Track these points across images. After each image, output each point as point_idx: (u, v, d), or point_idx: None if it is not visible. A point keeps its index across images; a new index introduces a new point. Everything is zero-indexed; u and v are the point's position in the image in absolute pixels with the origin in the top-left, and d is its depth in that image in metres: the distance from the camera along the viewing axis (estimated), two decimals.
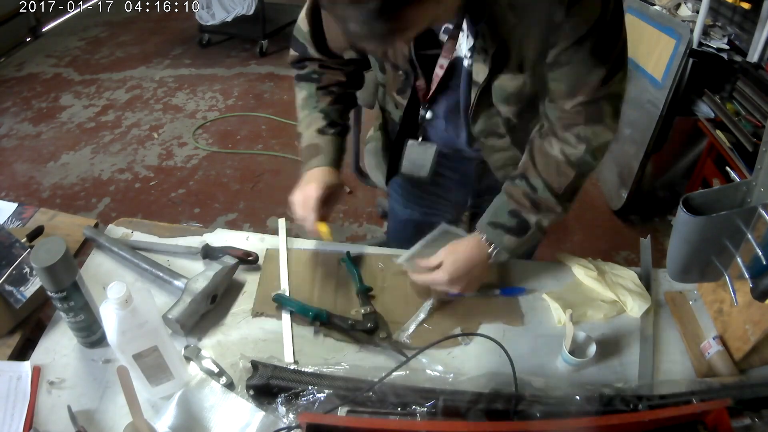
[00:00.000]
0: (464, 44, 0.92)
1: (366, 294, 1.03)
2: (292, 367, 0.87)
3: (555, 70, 0.88)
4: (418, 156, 1.12)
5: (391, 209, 1.45)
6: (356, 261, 1.10)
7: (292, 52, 1.13)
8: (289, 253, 1.11)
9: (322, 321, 0.97)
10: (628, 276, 1.09)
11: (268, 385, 0.83)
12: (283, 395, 0.82)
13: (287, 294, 1.03)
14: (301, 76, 1.13)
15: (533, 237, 1.00)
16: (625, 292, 1.04)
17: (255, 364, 0.85)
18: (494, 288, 1.07)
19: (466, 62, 0.94)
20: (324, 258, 1.11)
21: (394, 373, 0.82)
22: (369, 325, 0.96)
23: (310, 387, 0.82)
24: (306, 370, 0.86)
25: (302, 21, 1.08)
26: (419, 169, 1.16)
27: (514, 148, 1.08)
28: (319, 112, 1.08)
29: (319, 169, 1.04)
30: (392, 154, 1.17)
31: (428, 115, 1.05)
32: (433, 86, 0.99)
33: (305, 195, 1.01)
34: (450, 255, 0.99)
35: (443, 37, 0.92)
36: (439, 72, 0.96)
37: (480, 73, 0.92)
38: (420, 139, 1.10)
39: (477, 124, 1.03)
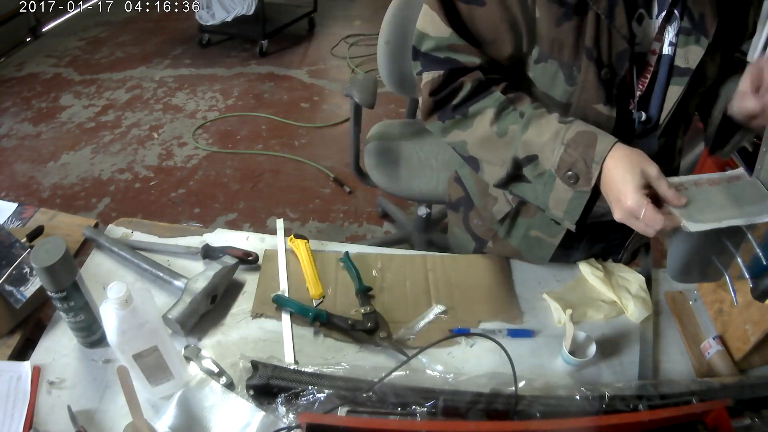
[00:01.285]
0: (670, 28, 0.81)
1: (366, 294, 1.03)
2: (292, 367, 0.87)
3: None
4: None
5: None
6: (355, 261, 1.10)
7: (434, 77, 0.82)
8: (288, 254, 1.11)
9: (322, 321, 0.97)
10: (636, 279, 1.07)
11: (268, 385, 0.83)
12: (283, 395, 0.82)
13: (287, 294, 1.03)
14: (459, 104, 0.82)
15: None
16: (628, 296, 1.04)
17: (255, 364, 0.85)
18: (502, 328, 0.99)
19: (667, 49, 0.81)
20: (323, 258, 1.11)
21: (394, 373, 0.82)
22: (369, 324, 0.96)
23: (310, 387, 0.82)
24: (306, 370, 0.86)
25: (435, 28, 0.80)
26: None
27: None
28: (534, 110, 0.79)
29: (620, 145, 0.73)
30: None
31: (642, 116, 0.84)
32: (646, 79, 0.82)
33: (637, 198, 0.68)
34: None
35: (638, 25, 0.79)
36: (651, 58, 0.81)
37: (691, 55, 0.79)
38: None
39: (667, 137, 0.88)
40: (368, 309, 0.99)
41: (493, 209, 1.03)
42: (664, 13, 0.80)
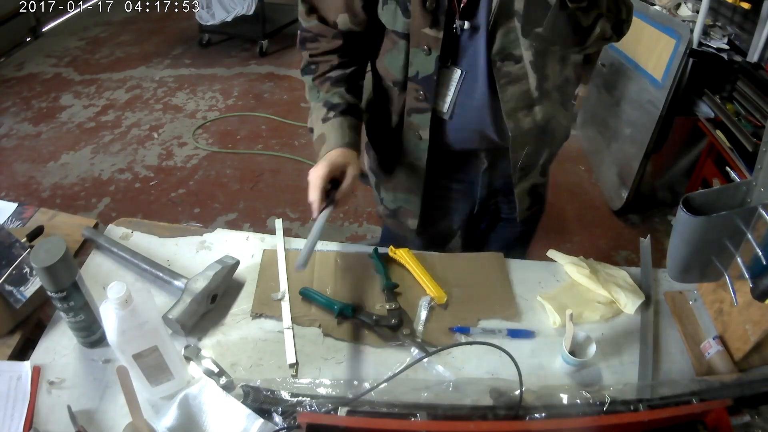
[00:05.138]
0: None
1: (391, 290, 1.03)
2: (284, 395, 0.83)
3: None
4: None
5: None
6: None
7: (305, 56, 1.11)
8: (288, 254, 1.11)
9: (347, 315, 0.98)
10: (620, 275, 1.09)
11: (261, 409, 0.80)
12: (280, 408, 0.80)
13: (287, 296, 1.03)
14: (303, 69, 1.12)
15: None
16: (617, 289, 1.04)
17: (247, 391, 0.83)
18: (502, 328, 1.00)
19: None
20: (320, 257, 1.11)
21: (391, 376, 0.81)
22: (393, 321, 0.97)
23: (306, 399, 0.81)
24: (301, 382, 0.84)
25: (303, 18, 1.06)
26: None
27: (528, 78, 1.02)
28: (318, 101, 1.08)
29: (327, 154, 1.02)
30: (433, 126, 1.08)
31: (465, 25, 0.98)
32: None
33: (312, 177, 0.97)
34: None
35: None
36: None
37: None
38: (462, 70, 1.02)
39: (495, 42, 0.98)
40: (393, 305, 1.00)
41: None
42: None
